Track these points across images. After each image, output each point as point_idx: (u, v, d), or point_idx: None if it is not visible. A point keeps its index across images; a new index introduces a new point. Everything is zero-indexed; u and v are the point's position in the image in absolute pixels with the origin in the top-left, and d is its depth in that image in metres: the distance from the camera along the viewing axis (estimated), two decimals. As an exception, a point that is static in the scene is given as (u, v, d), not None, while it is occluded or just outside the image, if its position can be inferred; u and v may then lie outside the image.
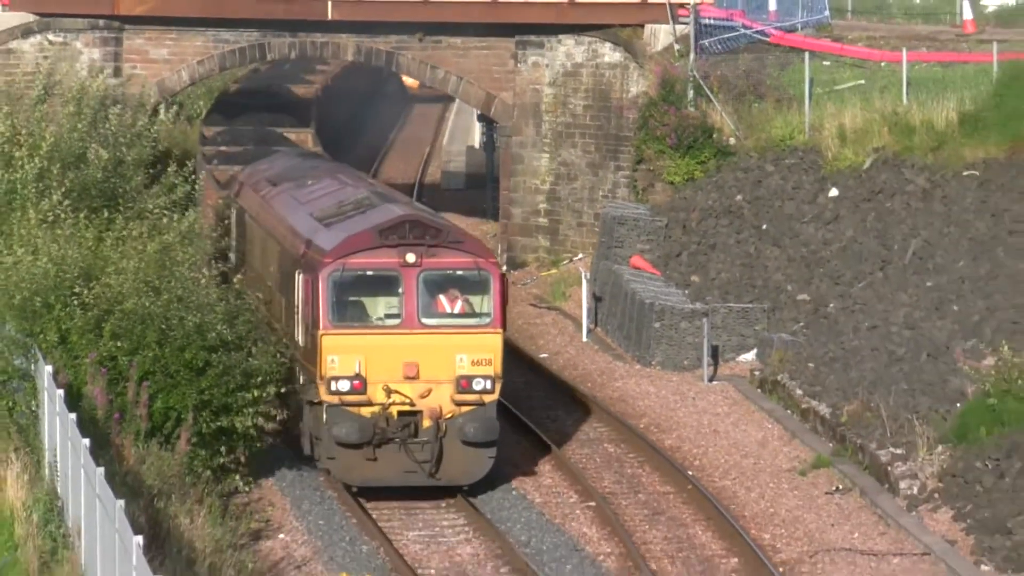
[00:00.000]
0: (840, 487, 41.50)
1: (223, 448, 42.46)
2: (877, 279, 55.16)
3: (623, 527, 40.10)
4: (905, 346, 49.69)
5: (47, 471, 37.66)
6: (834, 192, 59.47)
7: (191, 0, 73.62)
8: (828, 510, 40.46)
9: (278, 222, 41.86)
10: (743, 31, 72.61)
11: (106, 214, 50.24)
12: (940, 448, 42.04)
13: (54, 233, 46.32)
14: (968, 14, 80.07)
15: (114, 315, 41.76)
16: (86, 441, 33.67)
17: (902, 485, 40.26)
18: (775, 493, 41.81)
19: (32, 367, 41.04)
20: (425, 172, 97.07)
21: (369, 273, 32.58)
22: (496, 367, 32.78)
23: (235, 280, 47.22)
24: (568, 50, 69.98)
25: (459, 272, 32.84)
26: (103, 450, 35.96)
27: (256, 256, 45.65)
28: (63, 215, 48.48)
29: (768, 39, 72.46)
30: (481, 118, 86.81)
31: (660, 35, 69.07)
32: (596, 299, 60.42)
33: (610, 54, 69.37)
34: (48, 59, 69.87)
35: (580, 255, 67.35)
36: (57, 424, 37.34)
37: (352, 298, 32.70)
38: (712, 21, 72.00)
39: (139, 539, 26.93)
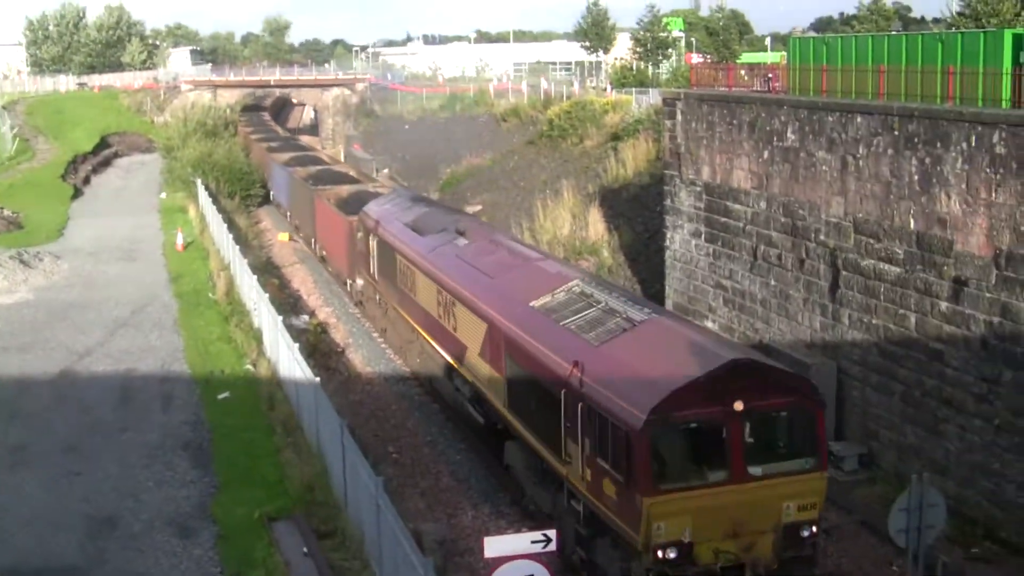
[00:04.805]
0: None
1: (248, 199, 40.23)
2: (432, 146, 48.51)
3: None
4: (391, 162, 46.78)
5: (201, 205, 35.26)
6: (407, 127, 55.87)
7: (236, 81, 68.47)
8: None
9: (463, 289, 15.69)
10: (383, 84, 70.38)
11: (213, 139, 47.44)
12: (438, 195, 38.66)
13: (200, 143, 44.38)
14: (441, 79, 75.65)
15: (216, 166, 40.48)
16: (210, 199, 33.18)
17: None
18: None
19: (194, 179, 38.86)
20: (296, 130, 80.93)
21: (693, 426, 9.23)
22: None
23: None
24: (336, 91, 65.26)
25: (783, 413, 9.64)
26: (215, 200, 34.00)
27: (406, 283, 19.15)
28: (201, 139, 45.59)
29: (390, 87, 69.80)
30: (314, 111, 78.32)
31: (360, 86, 65.60)
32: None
33: (347, 92, 65.04)
34: (194, 95, 64.37)
35: (340, 147, 60.32)
36: (202, 191, 35.74)
37: (675, 454, 9.36)
38: (374, 82, 69.21)
39: (226, 226, 26.93)
